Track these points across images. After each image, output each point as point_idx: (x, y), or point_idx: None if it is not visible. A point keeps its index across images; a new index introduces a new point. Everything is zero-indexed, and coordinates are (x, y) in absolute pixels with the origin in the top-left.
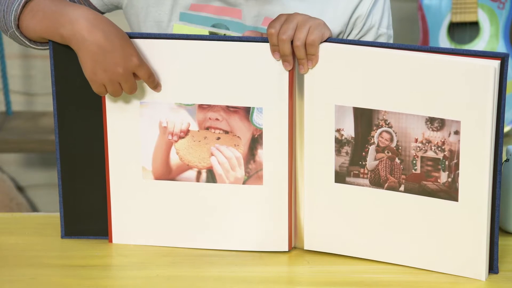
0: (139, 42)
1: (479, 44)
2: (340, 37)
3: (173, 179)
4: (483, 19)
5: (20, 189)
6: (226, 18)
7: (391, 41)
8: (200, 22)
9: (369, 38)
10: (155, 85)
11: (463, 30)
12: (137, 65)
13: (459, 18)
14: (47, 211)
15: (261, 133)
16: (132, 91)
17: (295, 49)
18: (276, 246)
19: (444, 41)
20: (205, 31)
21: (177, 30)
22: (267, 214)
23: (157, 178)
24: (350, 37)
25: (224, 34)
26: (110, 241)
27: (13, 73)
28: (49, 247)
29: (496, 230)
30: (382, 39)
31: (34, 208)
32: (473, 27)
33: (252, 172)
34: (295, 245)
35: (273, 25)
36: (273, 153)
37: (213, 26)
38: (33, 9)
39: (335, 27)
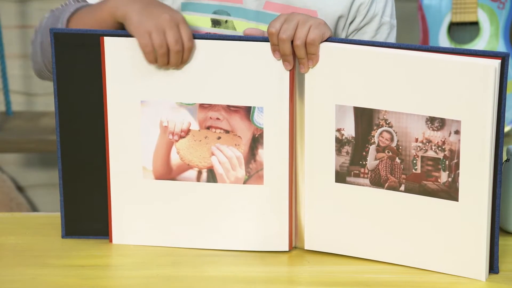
0: None
1: (479, 44)
2: (342, 22)
3: (173, 179)
4: (483, 19)
5: (20, 189)
6: (227, 4)
7: (394, 32)
8: (201, 10)
9: (372, 26)
10: (190, 48)
11: (463, 30)
12: (182, 19)
13: (459, 18)
14: (47, 211)
15: (262, 132)
16: (177, 44)
17: (295, 48)
18: (276, 246)
19: (444, 41)
20: (206, 18)
21: None
22: (267, 214)
23: (157, 178)
24: (354, 25)
25: (226, 21)
26: (111, 241)
27: (13, 73)
28: (49, 247)
29: (497, 229)
30: (385, 28)
31: (34, 208)
32: (473, 27)
33: (253, 171)
34: (295, 245)
35: (273, 24)
36: (273, 153)
37: (215, 13)
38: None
39: (336, 10)
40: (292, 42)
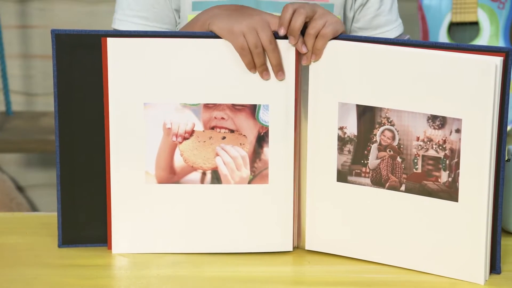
0: (142, 42)
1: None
2: (350, 2)
3: (177, 182)
4: (483, 19)
5: (20, 189)
6: None
7: (395, 2)
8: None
9: None
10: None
11: (463, 30)
12: (271, 15)
13: (459, 18)
14: (47, 211)
15: (267, 130)
16: (272, 42)
17: (307, 36)
18: (280, 246)
19: (444, 41)
20: None
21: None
22: (272, 213)
23: (160, 182)
24: (359, 1)
25: None
26: (109, 248)
27: (13, 73)
28: (49, 247)
29: (499, 228)
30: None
31: (34, 208)
32: (473, 27)
33: (258, 171)
34: (296, 245)
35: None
36: (279, 151)
37: None
38: None
39: None
40: (303, 30)
